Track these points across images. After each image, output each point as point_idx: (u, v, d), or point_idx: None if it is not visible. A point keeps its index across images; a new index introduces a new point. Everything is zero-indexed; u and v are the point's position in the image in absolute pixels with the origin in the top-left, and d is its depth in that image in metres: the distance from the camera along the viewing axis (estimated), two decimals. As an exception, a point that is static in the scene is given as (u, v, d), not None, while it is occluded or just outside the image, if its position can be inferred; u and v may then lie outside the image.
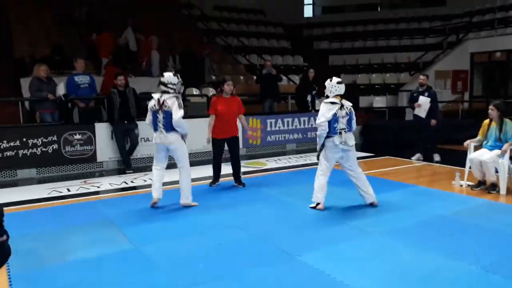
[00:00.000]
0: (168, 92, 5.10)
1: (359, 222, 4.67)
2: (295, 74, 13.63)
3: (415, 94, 8.28)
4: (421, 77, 8.37)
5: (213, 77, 12.01)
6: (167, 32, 12.46)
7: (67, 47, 10.12)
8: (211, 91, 10.51)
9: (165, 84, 5.12)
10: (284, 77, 11.58)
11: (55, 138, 7.31)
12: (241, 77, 12.76)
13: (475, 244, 4.03)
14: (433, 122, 8.07)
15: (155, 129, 5.17)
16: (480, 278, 3.36)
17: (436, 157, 8.20)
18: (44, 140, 7.23)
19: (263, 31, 16.56)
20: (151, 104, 5.19)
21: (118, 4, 12.46)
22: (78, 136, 7.52)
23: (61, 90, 7.68)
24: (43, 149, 7.22)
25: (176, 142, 5.15)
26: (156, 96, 5.18)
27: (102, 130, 7.71)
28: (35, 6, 11.44)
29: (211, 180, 6.44)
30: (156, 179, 5.31)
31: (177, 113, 5.01)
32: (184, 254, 3.89)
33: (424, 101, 8.04)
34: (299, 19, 18.65)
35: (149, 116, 5.28)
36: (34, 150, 7.15)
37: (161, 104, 5.06)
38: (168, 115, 5.03)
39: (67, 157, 7.43)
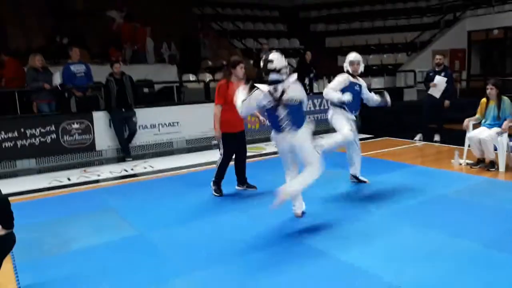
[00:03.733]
0: (281, 80, 3.94)
1: (361, 203, 4.70)
2: (292, 57, 13.54)
3: (431, 74, 8.17)
4: (438, 56, 8.24)
5: (210, 63, 11.94)
6: (162, 18, 12.31)
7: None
8: (208, 77, 10.47)
9: (278, 70, 3.91)
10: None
11: (53, 128, 7.29)
12: (238, 62, 12.66)
13: (475, 221, 4.07)
14: (447, 103, 8.01)
15: (278, 130, 4.08)
16: (481, 254, 3.40)
17: (436, 137, 8.20)
18: (42, 130, 7.21)
19: (259, 15, 16.38)
20: (263, 101, 3.95)
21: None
22: (76, 125, 7.49)
23: (57, 79, 7.63)
24: (42, 139, 7.21)
25: (302, 138, 4.02)
26: (264, 88, 3.93)
27: (100, 119, 7.69)
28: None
29: (215, 188, 5.20)
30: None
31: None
32: (187, 240, 3.91)
33: (440, 81, 7.94)
34: (295, 1, 18.44)
35: (250, 111, 4.18)
36: (33, 140, 7.13)
37: (279, 97, 3.91)
38: (294, 109, 3.95)
39: (66, 147, 7.41)
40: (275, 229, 4.08)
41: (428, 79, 8.18)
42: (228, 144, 5.03)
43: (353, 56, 5.14)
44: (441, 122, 8.28)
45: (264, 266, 3.34)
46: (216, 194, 5.11)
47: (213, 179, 5.17)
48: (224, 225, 4.24)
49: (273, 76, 3.92)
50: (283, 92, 3.89)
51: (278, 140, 4.14)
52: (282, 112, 3.93)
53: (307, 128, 4.04)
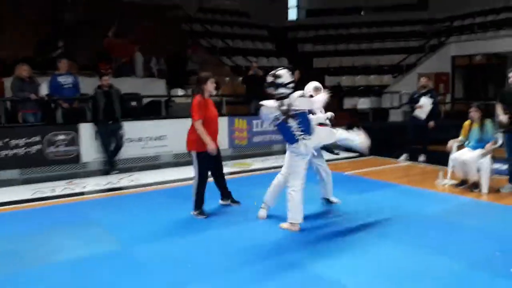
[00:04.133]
0: (286, 96, 4.24)
1: (345, 221, 4.72)
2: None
3: (415, 96, 8.37)
4: (423, 79, 8.48)
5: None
6: (151, 33, 12.37)
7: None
8: (196, 92, 10.49)
9: (285, 85, 4.23)
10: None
11: (38, 138, 7.19)
12: (227, 79, 12.77)
13: (459, 241, 4.11)
14: (431, 124, 8.16)
15: (295, 141, 4.30)
16: (465, 275, 3.43)
17: (421, 157, 8.34)
18: (28, 140, 7.10)
19: (248, 33, 16.60)
20: (271, 116, 4.26)
21: (103, 6, 12.31)
22: (62, 137, 7.41)
23: (44, 90, 7.57)
24: (27, 149, 7.10)
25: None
26: (270, 104, 4.26)
27: (87, 131, 7.61)
28: (17, 6, 11.24)
29: (198, 212, 4.90)
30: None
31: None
32: (172, 254, 3.86)
33: (426, 103, 8.11)
34: (284, 22, 18.77)
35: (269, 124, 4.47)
36: (17, 150, 7.02)
37: (287, 111, 4.21)
38: (304, 116, 4.29)
39: (51, 158, 7.31)
40: (262, 245, 4.05)
41: (413, 101, 8.36)
42: (204, 163, 4.82)
43: (317, 83, 5.21)
44: (426, 143, 8.43)
45: (249, 282, 3.32)
46: (201, 217, 4.84)
47: (193, 204, 4.88)
48: (210, 240, 4.20)
49: (281, 90, 4.21)
50: (290, 105, 4.17)
51: (301, 148, 4.29)
52: (293, 123, 4.22)
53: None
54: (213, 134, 4.82)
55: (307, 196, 4.50)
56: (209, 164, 4.90)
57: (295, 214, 4.37)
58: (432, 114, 8.18)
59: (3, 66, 8.43)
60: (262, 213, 4.82)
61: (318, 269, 3.50)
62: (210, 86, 4.82)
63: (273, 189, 4.81)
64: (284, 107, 4.20)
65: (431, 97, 8.20)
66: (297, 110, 4.21)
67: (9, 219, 4.87)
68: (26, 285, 3.31)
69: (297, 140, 4.28)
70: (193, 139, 4.77)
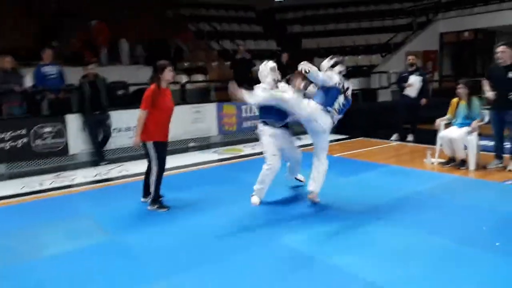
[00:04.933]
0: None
1: (335, 202, 4.75)
2: (268, 59, 13.56)
3: (404, 74, 8.39)
4: (410, 57, 8.46)
5: (185, 64, 11.87)
6: (136, 20, 12.17)
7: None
8: (184, 78, 10.40)
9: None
10: (257, 62, 11.53)
11: (24, 131, 7.09)
12: (214, 63, 12.64)
13: (447, 219, 4.18)
14: (424, 101, 8.20)
15: (331, 109, 4.52)
16: (453, 251, 3.49)
17: (410, 137, 8.38)
18: (13, 134, 7.00)
19: (235, 15, 16.37)
20: (335, 79, 4.51)
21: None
22: (48, 129, 7.31)
23: (28, 81, 7.45)
24: (12, 143, 7.00)
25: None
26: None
27: (74, 122, 7.51)
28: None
29: (157, 206, 4.77)
30: None
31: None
32: (162, 243, 3.88)
33: (415, 81, 8.14)
34: (271, 3, 18.51)
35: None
36: (3, 145, 6.92)
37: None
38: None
39: (38, 151, 7.23)
40: (255, 230, 4.08)
41: (402, 80, 8.35)
42: (162, 154, 4.73)
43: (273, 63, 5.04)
44: (415, 122, 8.46)
45: (242, 268, 3.34)
46: (163, 210, 4.73)
47: (151, 197, 4.76)
48: (203, 227, 4.21)
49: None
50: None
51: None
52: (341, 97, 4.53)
53: None
54: (163, 126, 4.71)
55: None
56: (164, 155, 4.79)
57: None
58: (422, 92, 8.21)
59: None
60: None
61: (312, 254, 3.53)
62: (167, 75, 4.69)
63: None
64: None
65: (420, 74, 8.22)
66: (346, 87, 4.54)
67: (-2, 215, 4.83)
68: (17, 279, 3.30)
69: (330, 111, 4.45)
70: (149, 129, 4.62)
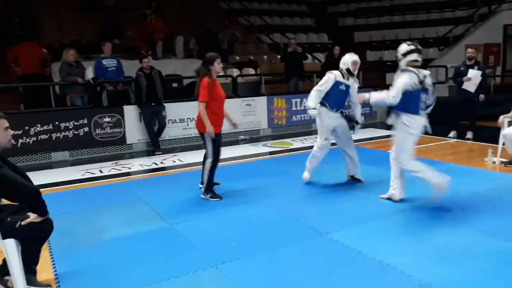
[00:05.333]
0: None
1: (390, 201, 4.64)
2: (320, 52, 13.42)
3: (462, 68, 7.97)
4: (469, 50, 8.00)
5: (237, 57, 11.98)
6: (189, 14, 12.42)
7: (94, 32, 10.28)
8: (235, 72, 10.51)
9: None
10: (309, 56, 11.43)
11: (85, 121, 7.50)
12: (265, 57, 12.67)
13: (509, 221, 3.96)
14: (482, 97, 7.81)
15: (417, 112, 4.35)
16: (515, 255, 3.32)
17: (469, 134, 7.99)
18: (76, 123, 7.42)
19: (286, 9, 16.28)
20: (415, 80, 4.22)
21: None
22: (107, 119, 7.68)
23: (90, 73, 7.83)
24: (75, 132, 7.43)
25: None
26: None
27: (131, 113, 7.85)
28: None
29: (210, 195, 4.91)
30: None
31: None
32: (216, 232, 3.98)
33: (475, 75, 7.74)
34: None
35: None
36: (67, 133, 7.36)
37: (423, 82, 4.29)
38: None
39: (98, 140, 7.62)
40: (304, 225, 4.08)
41: (460, 74, 7.96)
42: (217, 144, 4.82)
43: (356, 57, 5.17)
44: (473, 119, 8.06)
45: (291, 260, 3.36)
46: (216, 199, 4.87)
47: (205, 186, 4.89)
48: (253, 217, 4.27)
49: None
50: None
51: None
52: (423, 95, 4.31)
53: None
54: (219, 117, 4.80)
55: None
56: (219, 146, 4.88)
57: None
58: (481, 87, 7.79)
59: (50, 52, 8.74)
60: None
61: (361, 249, 3.48)
62: (217, 67, 4.73)
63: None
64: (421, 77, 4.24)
65: (479, 69, 7.80)
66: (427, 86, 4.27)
67: (62, 199, 5.14)
68: (80, 260, 3.51)
69: (418, 113, 4.29)
70: None
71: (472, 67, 7.82)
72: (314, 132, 9.54)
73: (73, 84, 7.64)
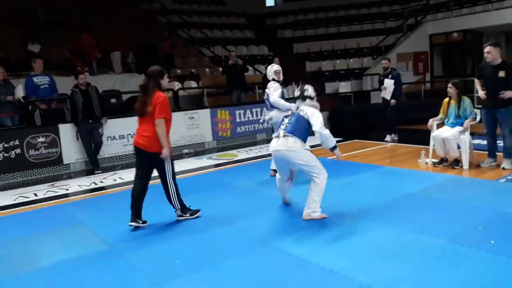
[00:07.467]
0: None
1: (330, 204, 4.76)
2: (260, 63, 13.65)
3: (381, 78, 8.82)
4: (383, 61, 8.94)
5: (178, 71, 11.88)
6: (127, 28, 12.18)
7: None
8: (176, 85, 10.40)
9: (312, 98, 4.59)
10: (250, 67, 11.57)
11: (17, 142, 7.07)
12: (207, 69, 12.67)
13: (441, 218, 4.19)
14: (393, 102, 8.53)
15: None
16: (447, 249, 3.51)
17: (388, 137, 8.56)
18: (6, 145, 6.98)
19: (226, 22, 16.43)
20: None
21: (75, 2, 12.06)
22: (41, 139, 7.29)
23: (20, 92, 7.42)
24: (5, 154, 6.97)
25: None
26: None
27: (67, 131, 7.51)
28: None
29: (189, 213, 4.66)
30: None
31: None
32: (159, 250, 3.86)
33: (388, 84, 8.53)
34: (262, 8, 18.61)
35: None
36: (-4, 156, 6.90)
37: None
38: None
39: (31, 161, 7.20)
40: (249, 236, 4.08)
41: (380, 83, 8.78)
42: (173, 163, 4.51)
43: (277, 66, 6.03)
44: (390, 123, 8.71)
45: (240, 272, 3.34)
46: (197, 214, 4.65)
47: (179, 208, 4.56)
48: (198, 234, 4.20)
49: (308, 102, 4.51)
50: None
51: None
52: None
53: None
54: (168, 134, 4.38)
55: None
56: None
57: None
58: (394, 93, 8.51)
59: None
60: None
61: (304, 255, 3.53)
62: (166, 81, 4.44)
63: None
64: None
65: (392, 77, 8.56)
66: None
67: (-8, 226, 4.79)
68: (13, 291, 3.27)
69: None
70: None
71: (387, 76, 8.61)
72: (259, 142, 9.68)
73: (2, 103, 7.19)
